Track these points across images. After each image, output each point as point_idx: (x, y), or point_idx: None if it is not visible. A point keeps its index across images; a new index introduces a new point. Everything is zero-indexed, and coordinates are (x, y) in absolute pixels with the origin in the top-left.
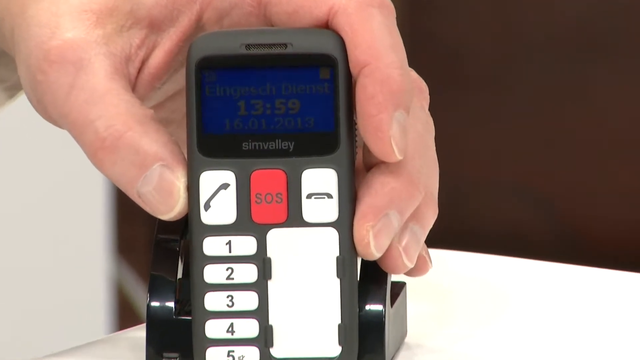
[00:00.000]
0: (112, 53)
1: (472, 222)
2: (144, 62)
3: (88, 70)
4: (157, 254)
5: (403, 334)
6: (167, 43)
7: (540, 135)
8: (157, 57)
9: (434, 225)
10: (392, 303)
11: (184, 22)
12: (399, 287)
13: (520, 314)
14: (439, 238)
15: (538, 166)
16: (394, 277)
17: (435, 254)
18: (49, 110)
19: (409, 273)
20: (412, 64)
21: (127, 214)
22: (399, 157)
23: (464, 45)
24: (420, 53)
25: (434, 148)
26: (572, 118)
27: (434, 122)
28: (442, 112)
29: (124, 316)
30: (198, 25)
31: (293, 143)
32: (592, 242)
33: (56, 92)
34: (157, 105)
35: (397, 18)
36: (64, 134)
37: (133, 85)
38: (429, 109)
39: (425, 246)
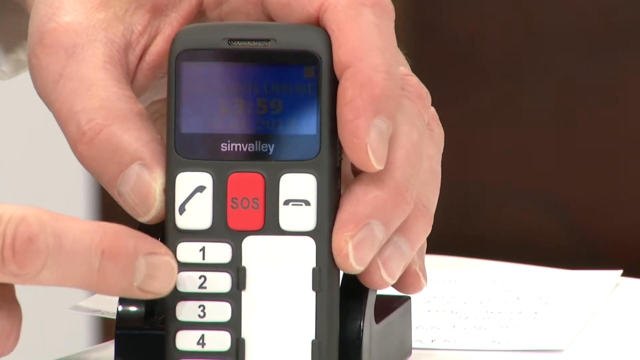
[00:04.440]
0: (110, 39)
1: (483, 228)
2: (145, 50)
3: (80, 57)
4: None
5: (403, 352)
6: (168, 29)
7: (558, 136)
8: (159, 45)
9: (443, 231)
10: (381, 319)
11: (186, 7)
12: (398, 302)
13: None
14: (447, 244)
15: (555, 169)
16: (397, 292)
17: (445, 261)
18: (40, 95)
19: (400, 290)
20: (417, 57)
21: (109, 216)
22: (377, 167)
23: (475, 36)
24: (427, 45)
25: (438, 160)
26: (594, 117)
27: (442, 121)
28: (452, 110)
29: (107, 327)
30: (199, 10)
31: (273, 146)
32: (609, 249)
33: (46, 78)
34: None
35: (400, 6)
36: (44, 136)
37: (133, 74)
38: (441, 121)
39: (420, 262)
